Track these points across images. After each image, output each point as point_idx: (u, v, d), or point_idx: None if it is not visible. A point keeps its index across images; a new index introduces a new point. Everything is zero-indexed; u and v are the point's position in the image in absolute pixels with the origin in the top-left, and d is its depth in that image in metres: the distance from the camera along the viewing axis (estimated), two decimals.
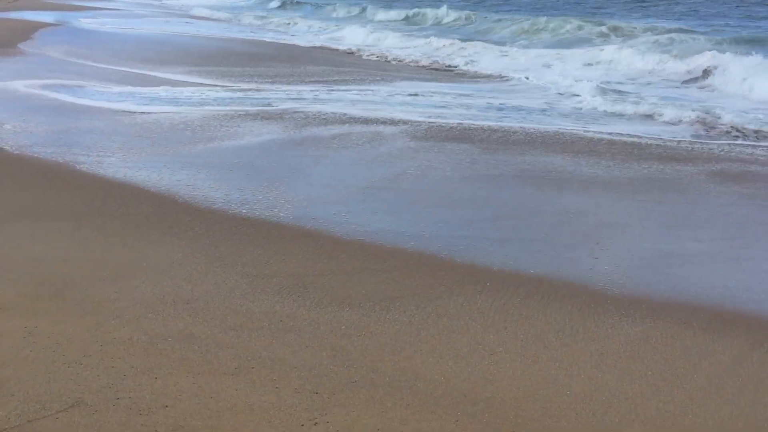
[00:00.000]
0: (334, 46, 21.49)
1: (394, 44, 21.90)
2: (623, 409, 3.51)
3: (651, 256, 5.60)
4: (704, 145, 9.50)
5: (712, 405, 3.59)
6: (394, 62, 18.35)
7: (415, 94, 12.77)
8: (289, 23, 29.92)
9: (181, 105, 10.97)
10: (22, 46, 17.17)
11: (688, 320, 4.50)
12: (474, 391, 3.59)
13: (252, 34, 25.10)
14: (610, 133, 10.03)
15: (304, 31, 27.08)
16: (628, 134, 10.02)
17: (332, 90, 12.91)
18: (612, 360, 3.97)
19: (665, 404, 3.57)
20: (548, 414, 3.43)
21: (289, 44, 21.72)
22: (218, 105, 11.11)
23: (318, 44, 22.03)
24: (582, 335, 4.25)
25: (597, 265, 5.33)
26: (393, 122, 10.18)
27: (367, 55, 19.69)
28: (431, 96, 12.77)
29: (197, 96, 11.83)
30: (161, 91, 12.15)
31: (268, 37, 24.00)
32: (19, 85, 11.87)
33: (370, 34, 23.88)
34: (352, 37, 23.75)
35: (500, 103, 12.23)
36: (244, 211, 6.21)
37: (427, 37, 22.81)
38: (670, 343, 4.21)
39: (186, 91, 12.19)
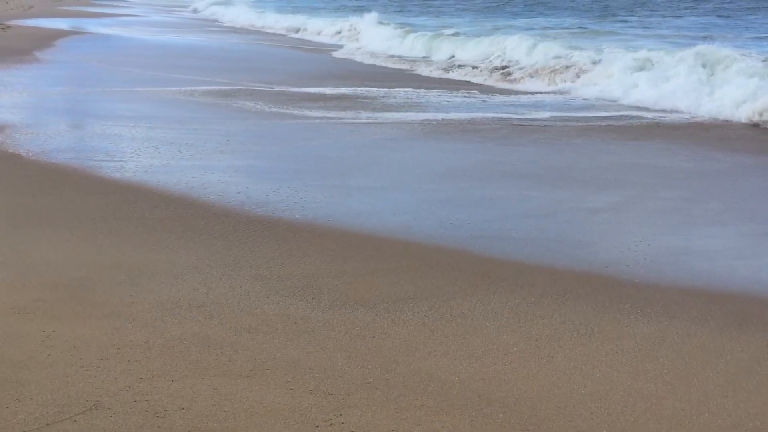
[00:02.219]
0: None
1: None
2: (639, 408, 3.49)
3: (669, 252, 5.58)
4: None
5: (729, 404, 3.56)
6: None
7: None
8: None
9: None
10: (79, 53, 17.28)
11: (704, 318, 4.48)
12: (488, 392, 3.59)
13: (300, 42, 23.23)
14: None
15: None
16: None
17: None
18: (627, 359, 3.96)
19: (681, 403, 3.55)
20: (563, 413, 3.42)
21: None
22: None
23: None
24: (597, 334, 4.24)
25: (612, 264, 5.31)
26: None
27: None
28: None
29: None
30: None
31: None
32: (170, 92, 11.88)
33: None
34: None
35: None
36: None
37: None
38: (686, 341, 4.18)
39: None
